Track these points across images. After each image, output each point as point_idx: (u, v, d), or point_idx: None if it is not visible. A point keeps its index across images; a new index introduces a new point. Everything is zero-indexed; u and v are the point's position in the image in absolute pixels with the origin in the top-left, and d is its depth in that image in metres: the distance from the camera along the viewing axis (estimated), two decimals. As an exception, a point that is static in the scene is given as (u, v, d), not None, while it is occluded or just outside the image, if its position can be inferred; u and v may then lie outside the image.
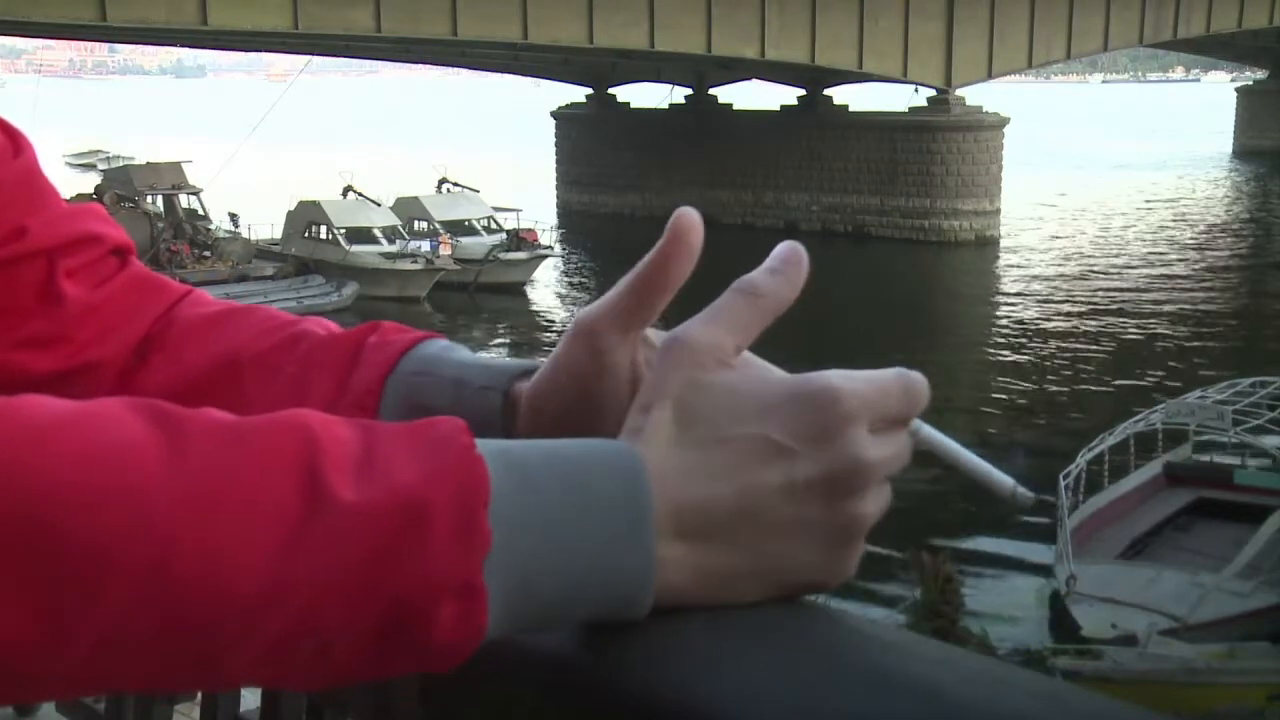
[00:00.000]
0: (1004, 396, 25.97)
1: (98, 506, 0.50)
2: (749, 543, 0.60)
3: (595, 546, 0.57)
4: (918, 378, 0.64)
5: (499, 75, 63.31)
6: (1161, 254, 43.97)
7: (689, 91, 53.09)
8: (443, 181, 42.77)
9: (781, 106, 50.05)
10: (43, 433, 0.51)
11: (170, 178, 40.18)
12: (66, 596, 0.49)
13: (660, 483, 0.59)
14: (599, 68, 51.38)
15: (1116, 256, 43.52)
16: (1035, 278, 39.51)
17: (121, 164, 49.42)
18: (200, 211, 40.26)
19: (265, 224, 40.11)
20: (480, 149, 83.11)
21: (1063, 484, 16.63)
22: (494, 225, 40.05)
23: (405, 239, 37.54)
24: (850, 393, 0.61)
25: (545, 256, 39.46)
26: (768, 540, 0.60)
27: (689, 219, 0.65)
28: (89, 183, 47.02)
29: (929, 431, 0.65)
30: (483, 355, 0.79)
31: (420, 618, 0.54)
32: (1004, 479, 0.66)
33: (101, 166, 63.24)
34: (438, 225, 38.64)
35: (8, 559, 0.48)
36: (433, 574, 0.54)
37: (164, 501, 0.51)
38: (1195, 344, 30.50)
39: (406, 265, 35.85)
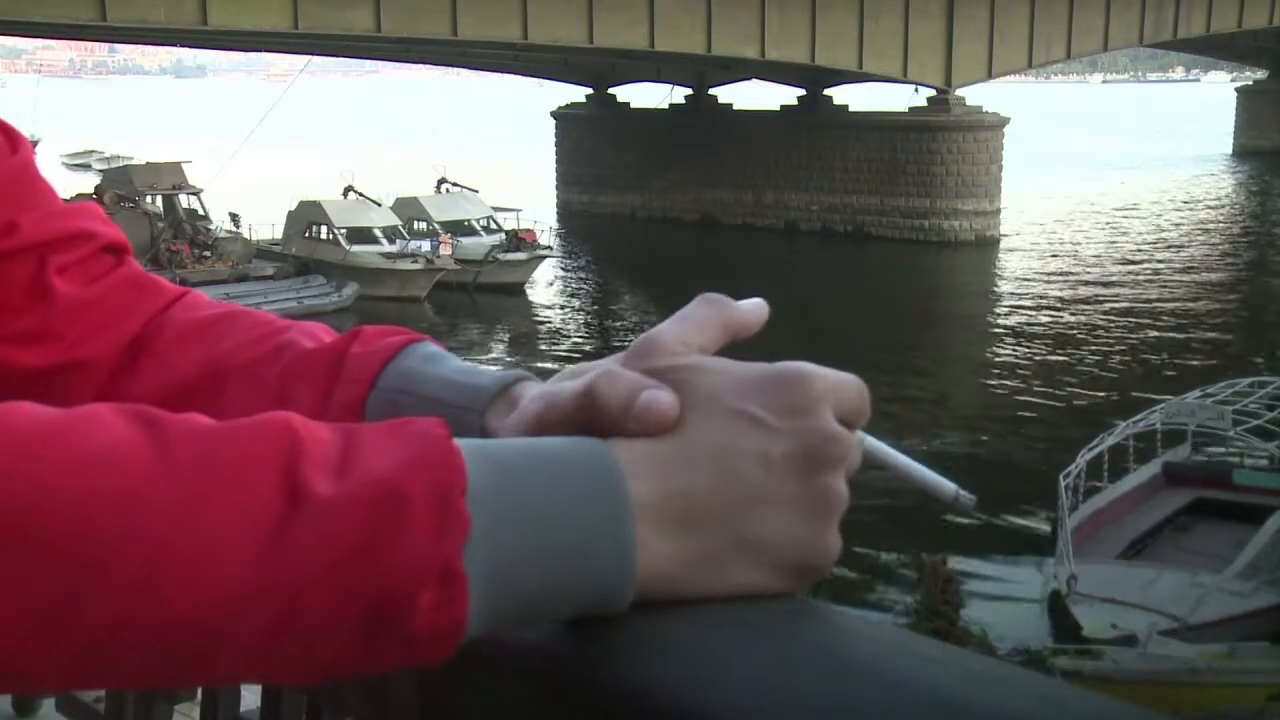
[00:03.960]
0: (1004, 396, 25.96)
1: (88, 511, 0.50)
2: (730, 520, 0.61)
3: (574, 537, 0.58)
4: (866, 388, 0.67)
5: (499, 75, 63.31)
6: (1161, 254, 43.96)
7: (689, 91, 53.08)
8: (442, 181, 42.76)
9: (781, 106, 50.04)
10: (31, 439, 0.51)
11: (170, 178, 40.17)
12: (58, 600, 0.50)
13: (640, 474, 0.60)
14: (599, 68, 51.37)
15: (1116, 256, 43.50)
16: (1035, 278, 39.51)
17: (120, 164, 49.42)
18: (200, 211, 40.22)
19: (265, 224, 40.13)
20: (480, 149, 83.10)
21: (1063, 484, 16.61)
22: (493, 225, 40.05)
23: (405, 239, 37.53)
24: (820, 375, 0.63)
25: (545, 257, 39.44)
26: (748, 515, 0.61)
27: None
28: (87, 183, 47.04)
29: (872, 441, 0.67)
30: (465, 369, 0.77)
31: (401, 606, 0.54)
32: (946, 484, 0.68)
33: (98, 166, 63.34)
34: (437, 225, 38.64)
35: (0, 564, 0.49)
36: (412, 560, 0.54)
37: (152, 505, 0.51)
38: (1195, 344, 30.49)
39: (406, 265, 35.84)
